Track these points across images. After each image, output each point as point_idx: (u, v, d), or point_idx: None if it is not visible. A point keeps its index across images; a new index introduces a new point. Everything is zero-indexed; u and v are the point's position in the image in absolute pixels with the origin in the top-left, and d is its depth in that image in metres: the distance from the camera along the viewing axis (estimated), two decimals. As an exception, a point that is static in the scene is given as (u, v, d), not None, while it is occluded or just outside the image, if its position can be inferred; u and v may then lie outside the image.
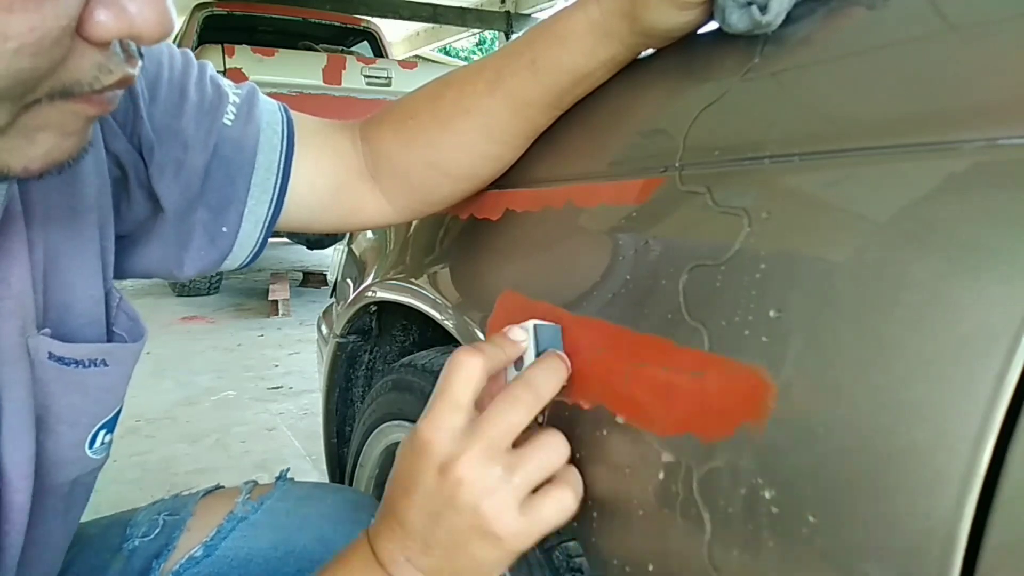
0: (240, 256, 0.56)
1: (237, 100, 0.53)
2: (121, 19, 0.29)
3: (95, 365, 0.46)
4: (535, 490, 0.40)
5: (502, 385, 0.44)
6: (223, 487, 0.72)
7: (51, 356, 0.43)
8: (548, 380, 0.41)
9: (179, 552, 0.64)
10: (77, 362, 0.45)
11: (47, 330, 0.43)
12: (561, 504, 0.40)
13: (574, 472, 0.42)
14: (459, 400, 0.40)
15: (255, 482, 0.72)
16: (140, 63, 0.34)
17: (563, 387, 0.43)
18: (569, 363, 0.43)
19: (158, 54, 0.51)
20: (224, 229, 0.53)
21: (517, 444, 0.40)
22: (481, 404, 0.42)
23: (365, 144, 0.57)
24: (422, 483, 0.40)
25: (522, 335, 0.44)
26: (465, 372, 0.40)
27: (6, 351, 0.41)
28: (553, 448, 0.41)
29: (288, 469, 0.77)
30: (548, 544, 0.54)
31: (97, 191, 0.47)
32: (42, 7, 0.26)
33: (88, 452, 0.48)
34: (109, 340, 0.49)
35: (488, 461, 0.39)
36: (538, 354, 0.44)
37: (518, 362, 0.44)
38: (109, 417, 0.49)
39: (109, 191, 0.48)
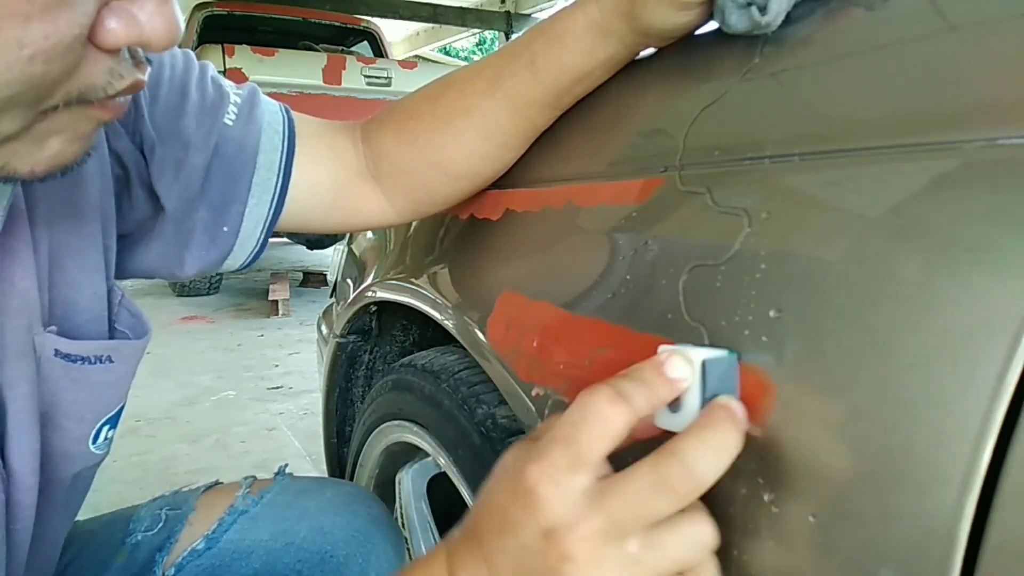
0: (241, 256, 0.56)
1: (238, 100, 0.54)
2: (131, 27, 0.30)
3: (100, 362, 0.47)
4: None
5: (647, 425, 0.34)
6: (222, 483, 0.73)
7: (57, 353, 0.44)
8: (714, 460, 0.30)
9: (181, 545, 0.65)
10: (83, 359, 0.45)
11: (53, 327, 0.43)
12: None
13: (713, 566, 0.32)
14: (587, 458, 0.32)
15: (254, 477, 0.72)
16: (149, 69, 0.35)
17: (561, 385, 0.40)
18: (745, 419, 0.32)
19: (159, 54, 0.51)
20: (225, 228, 0.53)
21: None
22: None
23: (366, 145, 0.57)
24: (521, 536, 0.32)
25: (684, 371, 0.33)
26: (602, 427, 0.31)
27: (12, 349, 0.41)
28: (697, 539, 0.31)
29: (287, 464, 0.77)
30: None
31: (100, 190, 0.47)
32: (57, 16, 0.27)
33: (91, 447, 0.48)
34: (112, 337, 0.49)
35: (609, 545, 0.30)
36: (705, 396, 0.33)
37: (674, 401, 0.34)
38: (113, 413, 0.50)
39: (112, 190, 0.49)
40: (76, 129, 0.34)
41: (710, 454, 0.30)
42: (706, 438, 0.31)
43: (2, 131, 0.30)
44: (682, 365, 0.33)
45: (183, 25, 0.32)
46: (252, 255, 0.56)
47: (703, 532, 0.31)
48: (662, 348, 0.34)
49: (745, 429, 0.32)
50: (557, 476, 0.32)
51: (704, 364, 0.33)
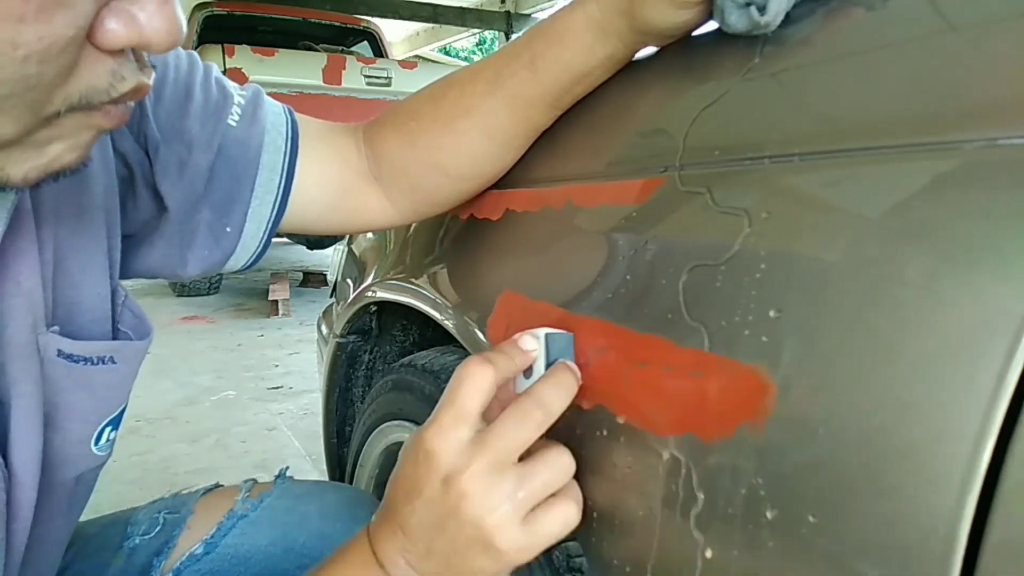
0: (243, 257, 0.56)
1: (242, 101, 0.54)
2: (131, 27, 0.30)
3: (103, 363, 0.46)
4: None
5: (510, 393, 0.43)
6: (222, 486, 0.73)
7: (60, 353, 0.44)
8: (558, 396, 0.41)
9: (180, 550, 0.64)
10: (86, 359, 0.45)
11: (56, 328, 0.43)
12: (564, 518, 0.40)
13: (576, 486, 0.42)
14: (467, 411, 0.40)
15: (254, 480, 0.72)
16: (153, 72, 0.34)
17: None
18: (580, 375, 0.42)
19: (164, 55, 0.51)
20: (228, 229, 0.54)
21: (523, 456, 0.40)
22: (489, 412, 0.42)
23: (368, 146, 0.57)
24: (425, 492, 0.40)
25: (533, 344, 0.43)
26: (474, 383, 0.40)
27: (16, 349, 0.41)
28: (559, 465, 0.40)
29: (287, 468, 0.77)
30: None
31: (105, 190, 0.47)
32: (52, 18, 0.27)
33: (94, 449, 0.48)
34: (115, 338, 0.49)
35: (493, 476, 0.39)
36: (548, 363, 0.43)
37: (527, 370, 0.43)
38: (115, 414, 0.49)
39: (116, 190, 0.49)
40: (77, 137, 0.33)
41: (554, 390, 0.41)
42: (549, 380, 0.41)
43: (1, 134, 0.30)
44: (530, 340, 0.43)
45: (185, 26, 0.32)
46: (255, 256, 0.57)
47: (563, 458, 0.41)
48: (518, 334, 0.44)
49: (577, 381, 0.42)
50: (445, 432, 0.40)
51: (546, 337, 0.43)
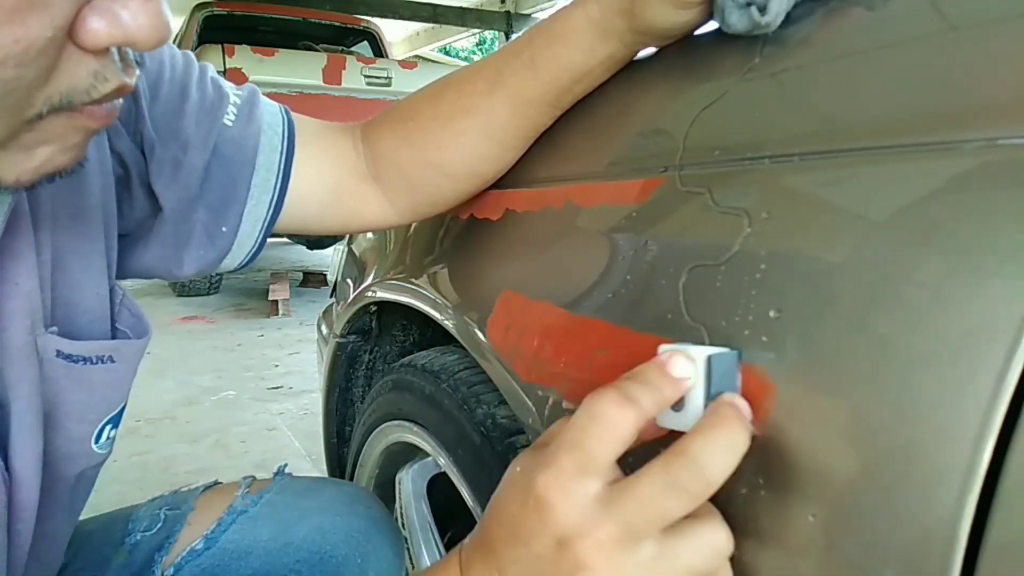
0: (239, 256, 0.56)
1: (238, 101, 0.54)
2: (114, 26, 0.29)
3: (102, 362, 0.47)
4: None
5: (652, 425, 0.34)
6: (221, 483, 0.73)
7: (59, 354, 0.44)
8: (721, 459, 0.30)
9: (180, 545, 0.65)
10: (84, 359, 0.45)
11: (54, 328, 0.43)
12: None
13: (727, 567, 0.32)
14: (597, 462, 0.31)
15: (253, 477, 0.72)
16: (138, 72, 0.33)
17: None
18: (750, 413, 0.32)
19: (159, 54, 0.51)
20: (224, 229, 0.54)
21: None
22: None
23: (366, 146, 0.57)
24: (533, 545, 0.32)
25: (688, 369, 0.32)
26: (609, 428, 0.31)
27: (15, 350, 0.41)
28: (712, 544, 0.31)
29: (286, 464, 0.77)
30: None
31: (102, 190, 0.48)
32: (27, 19, 0.26)
33: (94, 447, 0.49)
34: (113, 337, 0.49)
35: (623, 549, 0.30)
36: (709, 394, 0.32)
37: (677, 400, 0.33)
38: (115, 412, 0.50)
39: (113, 190, 0.49)
40: (66, 140, 0.33)
41: (719, 453, 0.30)
42: (714, 436, 0.30)
43: None
44: (685, 364, 0.32)
45: (171, 22, 0.31)
46: (250, 255, 0.57)
47: (718, 538, 0.31)
48: (662, 348, 0.34)
49: (748, 431, 0.31)
50: (567, 483, 0.31)
51: (708, 361, 0.32)
